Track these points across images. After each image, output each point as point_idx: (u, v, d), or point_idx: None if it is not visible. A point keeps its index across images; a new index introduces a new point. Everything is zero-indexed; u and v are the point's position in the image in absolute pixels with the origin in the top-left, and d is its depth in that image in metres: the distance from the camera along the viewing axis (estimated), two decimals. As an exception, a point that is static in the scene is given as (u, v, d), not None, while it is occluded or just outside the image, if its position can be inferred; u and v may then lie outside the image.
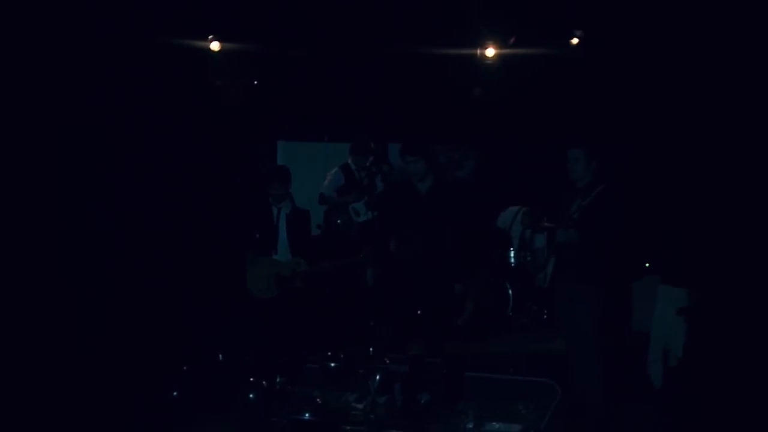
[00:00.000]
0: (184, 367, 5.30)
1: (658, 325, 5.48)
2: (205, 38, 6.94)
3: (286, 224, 5.77)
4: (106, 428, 4.68)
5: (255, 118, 7.45)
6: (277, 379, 5.35)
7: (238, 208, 5.92)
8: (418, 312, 4.86)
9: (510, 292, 6.46)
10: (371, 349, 4.81)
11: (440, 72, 7.27)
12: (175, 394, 4.93)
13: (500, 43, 7.06)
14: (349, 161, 6.75)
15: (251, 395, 4.80)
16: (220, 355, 6.15)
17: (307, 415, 4.36)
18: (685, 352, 4.90)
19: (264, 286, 5.71)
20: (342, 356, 5.74)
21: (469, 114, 7.51)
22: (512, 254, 6.50)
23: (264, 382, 4.90)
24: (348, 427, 4.53)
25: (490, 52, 7.11)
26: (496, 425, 4.59)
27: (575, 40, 6.92)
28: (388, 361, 4.91)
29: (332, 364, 5.67)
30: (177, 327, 6.17)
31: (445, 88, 7.39)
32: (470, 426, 4.61)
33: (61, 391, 4.73)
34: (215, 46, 7.02)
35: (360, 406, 4.91)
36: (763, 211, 4.81)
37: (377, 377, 4.95)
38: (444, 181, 4.87)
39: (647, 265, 6.11)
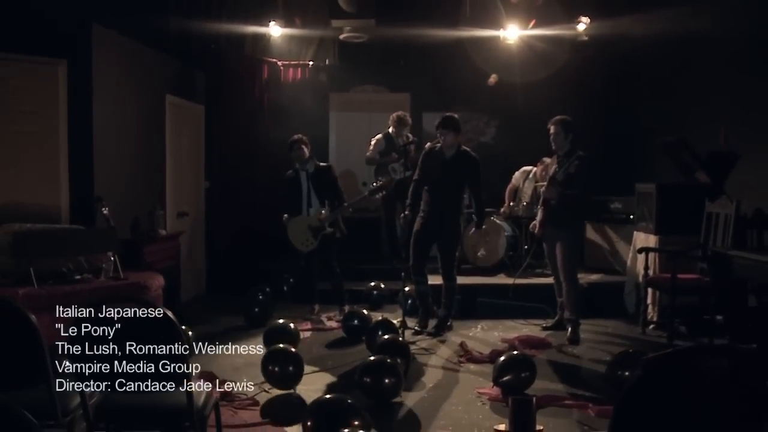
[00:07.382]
0: (260, 295, 6.78)
1: (632, 263, 6.74)
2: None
3: (312, 182, 6.40)
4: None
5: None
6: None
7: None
8: (439, 247, 6.17)
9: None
10: (403, 275, 6.09)
11: (468, 53, 8.52)
12: (256, 310, 6.47)
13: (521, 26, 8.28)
14: (390, 130, 8.01)
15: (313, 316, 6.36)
16: (285, 287, 7.72)
17: (356, 321, 5.85)
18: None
19: (304, 240, 6.35)
20: (382, 285, 7.24)
21: (491, 89, 8.78)
22: (521, 207, 7.81)
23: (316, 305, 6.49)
24: (386, 336, 6.02)
25: (512, 34, 8.37)
26: (496, 334, 6.06)
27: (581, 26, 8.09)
28: (415, 286, 6.27)
29: (375, 292, 7.18)
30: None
31: (473, 67, 8.63)
32: (478, 335, 6.08)
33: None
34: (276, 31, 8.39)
35: (395, 321, 6.40)
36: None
37: (408, 300, 6.41)
38: (463, 150, 6.15)
39: (631, 216, 7.33)
